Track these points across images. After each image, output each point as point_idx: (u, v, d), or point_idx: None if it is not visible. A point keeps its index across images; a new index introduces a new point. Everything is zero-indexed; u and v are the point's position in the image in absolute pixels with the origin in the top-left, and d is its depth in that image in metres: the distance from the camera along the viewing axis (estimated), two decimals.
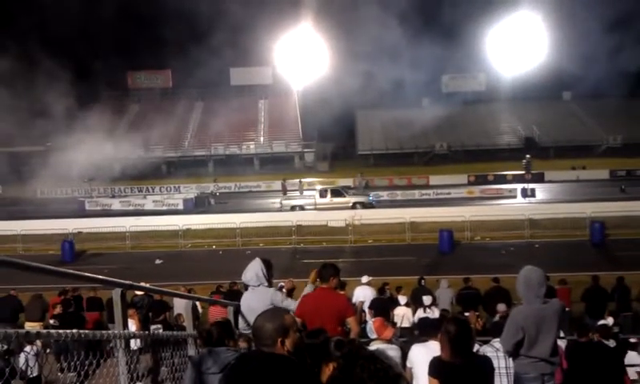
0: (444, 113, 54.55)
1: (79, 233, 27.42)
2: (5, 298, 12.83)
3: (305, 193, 38.17)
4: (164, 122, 54.15)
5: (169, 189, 47.38)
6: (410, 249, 23.95)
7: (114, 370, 3.87)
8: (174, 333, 5.73)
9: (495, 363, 4.20)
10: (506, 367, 4.83)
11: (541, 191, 37.49)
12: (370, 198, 33.72)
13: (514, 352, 4.59)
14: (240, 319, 5.72)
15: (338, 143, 58.75)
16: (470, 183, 44.46)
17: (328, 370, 3.05)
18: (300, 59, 59.28)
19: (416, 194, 40.10)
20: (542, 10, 54.98)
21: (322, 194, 33.35)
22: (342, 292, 8.15)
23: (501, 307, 9.89)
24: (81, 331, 3.24)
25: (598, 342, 6.36)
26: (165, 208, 36.64)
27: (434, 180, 45.79)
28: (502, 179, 44.03)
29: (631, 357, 7.84)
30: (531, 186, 36.28)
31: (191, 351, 4.99)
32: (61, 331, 3.16)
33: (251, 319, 4.45)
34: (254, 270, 5.64)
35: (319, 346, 3.31)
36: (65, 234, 26.42)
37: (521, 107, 60.66)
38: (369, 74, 50.95)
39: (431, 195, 39.68)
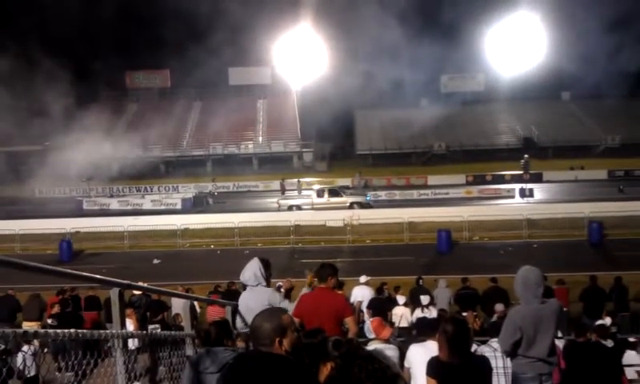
0: (442, 113, 54.54)
1: (77, 232, 27.39)
2: (2, 297, 12.84)
3: (303, 192, 38.20)
4: (162, 122, 54.04)
5: (167, 188, 47.31)
6: (408, 249, 23.97)
7: (111, 369, 3.86)
8: (172, 332, 5.73)
9: (493, 363, 4.20)
10: (504, 367, 4.84)
11: (539, 191, 37.54)
12: (367, 198, 33.75)
13: (511, 352, 4.59)
14: (238, 319, 5.72)
15: (337, 143, 58.74)
16: (468, 183, 44.45)
17: (326, 370, 3.05)
18: (299, 59, 59.23)
19: (414, 193, 40.09)
20: (541, 10, 54.99)
21: (319, 193, 33.37)
22: (340, 292, 8.16)
23: (499, 307, 9.91)
24: (78, 331, 3.24)
25: (595, 342, 6.37)
26: (163, 208, 36.60)
27: (433, 180, 45.77)
28: (501, 179, 44.04)
29: (630, 356, 7.85)
30: (529, 186, 36.31)
31: (189, 351, 4.99)
32: (58, 331, 3.16)
33: (249, 319, 4.45)
34: (252, 270, 5.64)
35: (317, 345, 3.31)
36: (63, 234, 26.39)
37: (519, 107, 60.70)
38: (367, 74, 51.00)
39: (429, 195, 39.68)
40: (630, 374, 7.09)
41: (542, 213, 27.03)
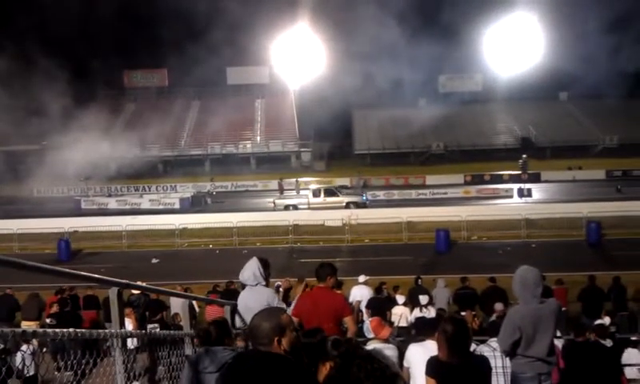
0: (441, 113, 54.56)
1: (75, 232, 27.36)
2: (1, 296, 12.82)
3: (301, 192, 38.21)
4: (160, 121, 53.95)
5: (165, 188, 47.27)
6: (406, 248, 23.99)
7: (110, 369, 3.85)
8: (171, 332, 5.72)
9: (492, 363, 4.20)
10: (503, 367, 4.84)
11: (537, 191, 37.61)
12: (364, 198, 33.80)
13: (511, 351, 4.59)
14: (237, 318, 5.71)
15: (335, 143, 58.75)
16: (466, 183, 44.48)
17: (325, 370, 3.05)
18: (297, 59, 59.24)
19: (413, 193, 40.12)
20: (539, 11, 55.10)
21: (316, 193, 33.41)
22: (339, 291, 8.16)
23: (498, 306, 9.92)
24: (77, 330, 3.23)
25: (594, 342, 6.38)
26: (161, 207, 36.59)
27: (431, 180, 45.81)
28: (499, 179, 44.07)
29: (632, 355, 7.86)
30: (527, 185, 36.38)
31: (188, 350, 4.98)
32: (57, 330, 3.16)
33: (248, 318, 4.44)
34: (251, 269, 5.63)
35: (316, 345, 3.31)
36: (61, 233, 26.35)
37: (517, 107, 60.76)
38: (366, 74, 51.03)
39: (428, 195, 39.71)
40: (632, 373, 7.10)
41: (540, 213, 27.06)
